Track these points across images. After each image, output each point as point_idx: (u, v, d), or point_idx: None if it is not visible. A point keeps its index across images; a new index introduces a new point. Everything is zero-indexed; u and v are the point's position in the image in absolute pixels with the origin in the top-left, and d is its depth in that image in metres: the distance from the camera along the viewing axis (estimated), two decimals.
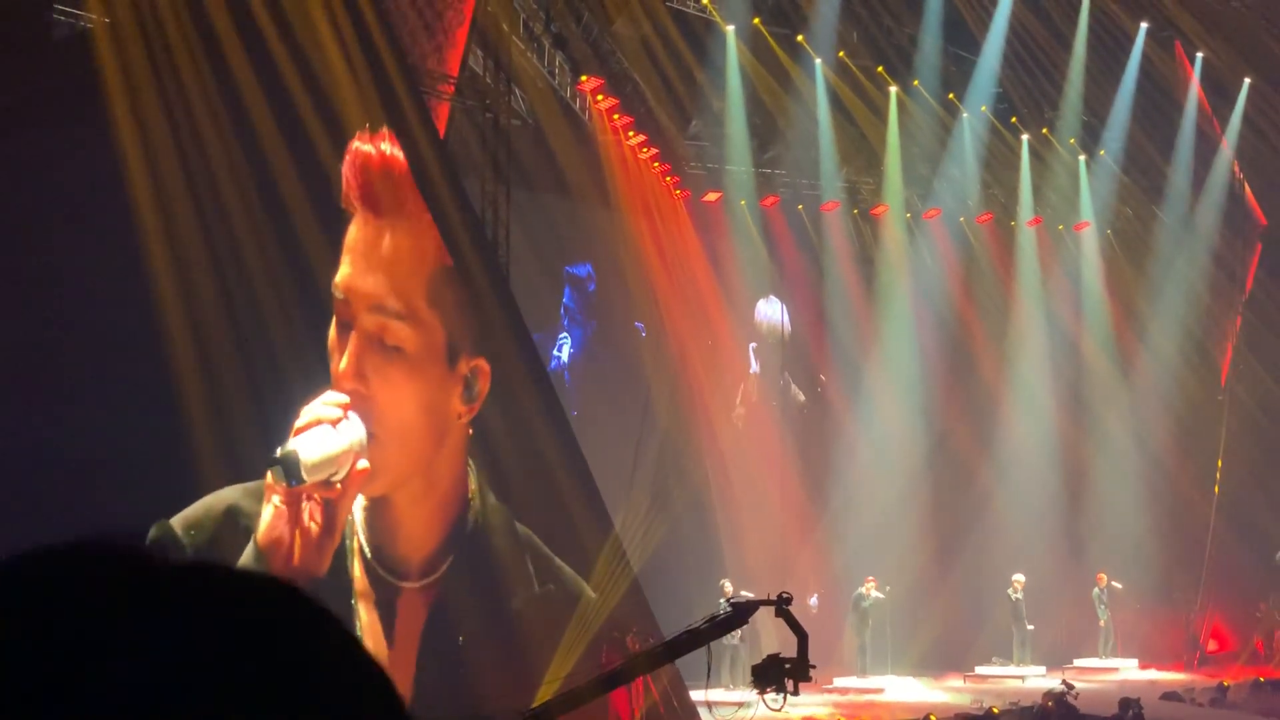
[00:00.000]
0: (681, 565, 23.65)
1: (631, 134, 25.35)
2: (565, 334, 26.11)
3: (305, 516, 17.01)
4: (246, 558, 16.48)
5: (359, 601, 17.39)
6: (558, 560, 19.12)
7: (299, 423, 17.03)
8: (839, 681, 25.01)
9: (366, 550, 17.62)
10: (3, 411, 15.60)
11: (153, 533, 15.99)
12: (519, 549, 18.88)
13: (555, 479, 19.64)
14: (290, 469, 16.66)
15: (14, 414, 15.56)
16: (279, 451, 16.73)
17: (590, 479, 20.23)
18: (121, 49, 16.46)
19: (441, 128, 20.52)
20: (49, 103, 16.14)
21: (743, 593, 24.71)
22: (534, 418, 19.67)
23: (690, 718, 20.11)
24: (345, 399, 17.34)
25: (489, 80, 22.19)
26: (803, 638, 7.08)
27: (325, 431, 17.09)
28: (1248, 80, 30.70)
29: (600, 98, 24.61)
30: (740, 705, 22.37)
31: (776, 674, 7.08)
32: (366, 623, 17.31)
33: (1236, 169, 31.78)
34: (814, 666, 7.15)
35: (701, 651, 22.91)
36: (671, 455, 24.93)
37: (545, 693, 17.58)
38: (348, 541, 17.45)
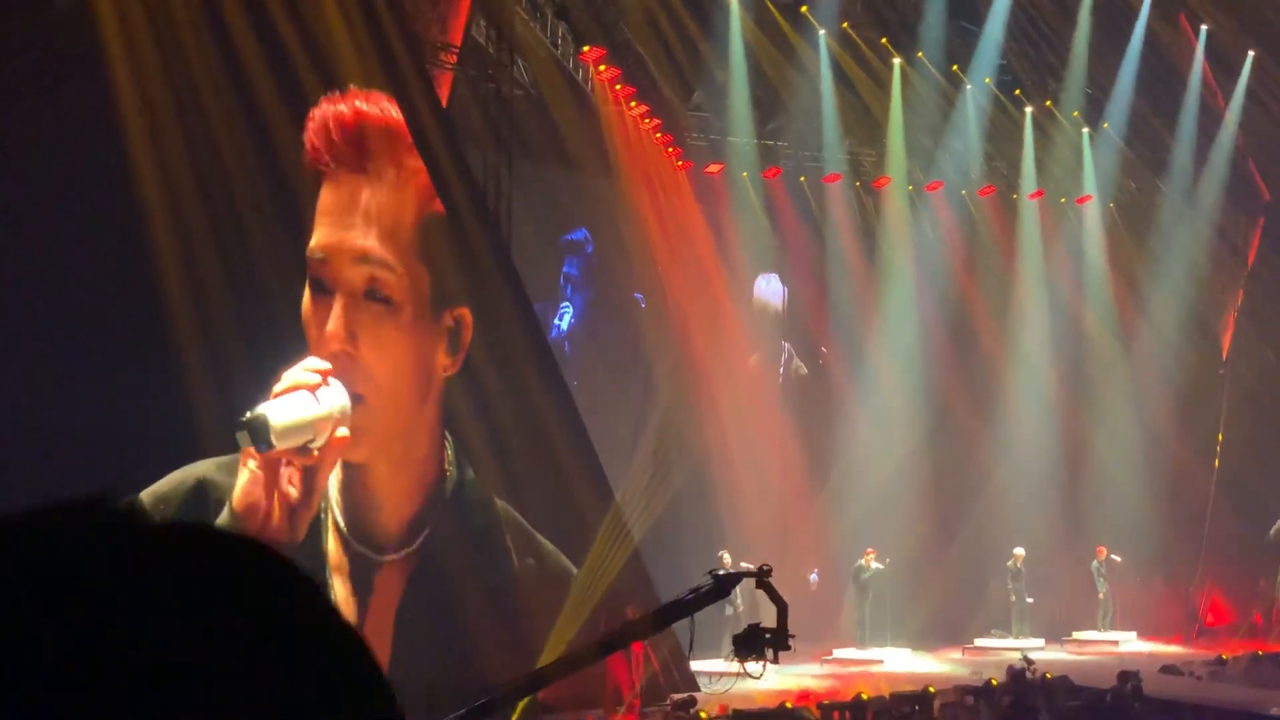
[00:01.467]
0: (681, 537, 23.68)
1: (634, 105, 25.30)
2: (567, 303, 26.09)
3: (283, 483, 16.86)
4: (222, 522, 16.20)
5: (333, 575, 17.23)
6: (538, 536, 19.02)
7: (276, 388, 16.84)
8: (838, 653, 25.09)
9: (341, 522, 17.45)
10: None
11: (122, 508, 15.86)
12: (497, 524, 18.77)
13: (556, 448, 19.67)
14: (258, 433, 16.35)
15: None
16: (247, 415, 16.44)
17: (591, 449, 20.26)
18: (123, 17, 16.41)
19: (444, 97, 20.49)
20: (51, 71, 16.07)
21: (741, 564, 24.77)
22: (534, 387, 19.68)
23: (690, 687, 20.18)
24: (326, 365, 17.14)
25: (491, 50, 22.15)
26: (782, 608, 7.19)
27: (301, 397, 16.86)
28: (1251, 53, 30.63)
29: (603, 68, 24.55)
30: (739, 675, 22.49)
31: (757, 644, 7.20)
32: (341, 597, 17.15)
33: (1240, 142, 31.72)
34: (793, 636, 7.25)
35: (709, 622, 23.02)
36: (673, 427, 24.94)
37: (544, 665, 17.67)
38: (321, 515, 17.29)
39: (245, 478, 16.64)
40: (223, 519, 16.36)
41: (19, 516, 0.93)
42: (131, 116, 16.27)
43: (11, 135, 15.84)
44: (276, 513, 16.77)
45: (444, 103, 20.28)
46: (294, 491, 16.91)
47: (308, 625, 0.94)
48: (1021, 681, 18.78)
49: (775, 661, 7.82)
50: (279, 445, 16.56)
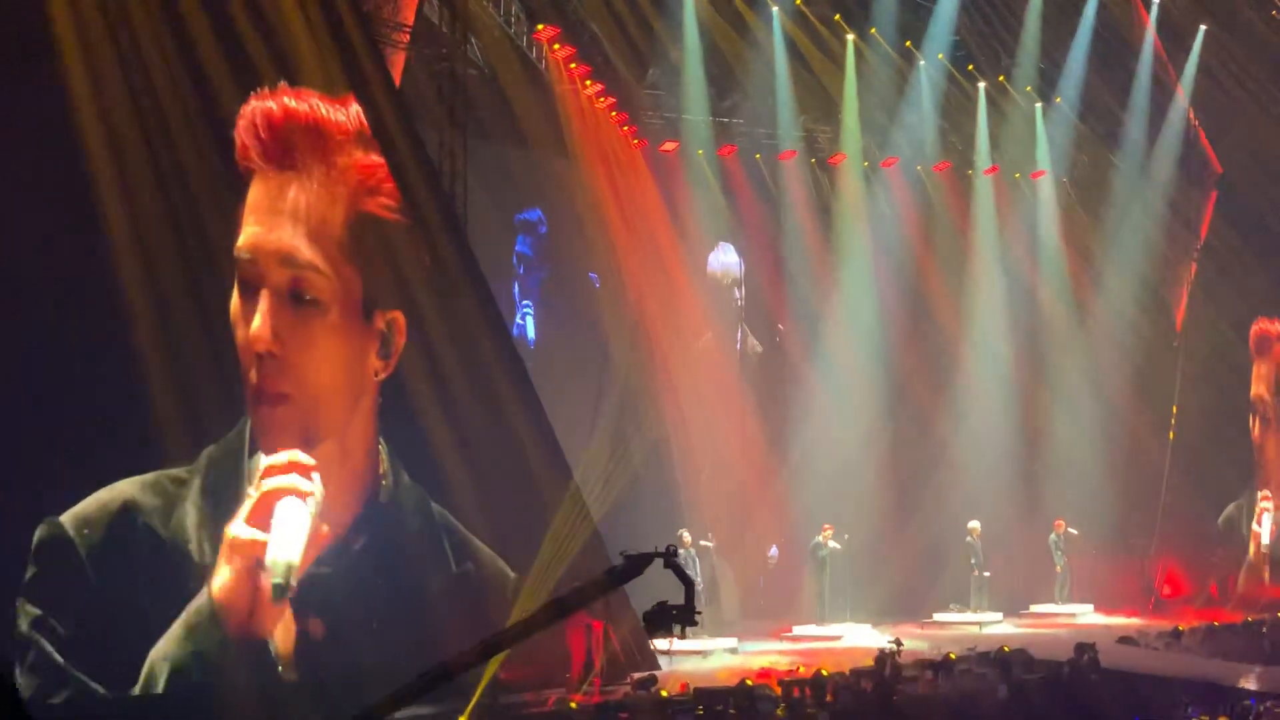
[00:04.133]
0: (641, 516, 23.67)
1: (588, 83, 25.20)
2: (527, 304, 25.88)
3: (262, 578, 16.58)
4: (200, 611, 15.96)
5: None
6: (476, 540, 18.77)
7: (265, 484, 16.54)
8: (798, 630, 25.16)
9: None
10: None
11: (41, 531, 15.09)
12: (434, 529, 18.50)
13: (514, 430, 19.58)
14: (287, 585, 16.39)
15: None
16: (276, 579, 16.33)
17: (550, 430, 20.19)
18: (75, 8, 16.16)
19: (397, 77, 20.35)
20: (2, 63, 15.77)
21: (701, 541, 24.82)
22: (492, 368, 19.59)
23: (650, 665, 20.21)
24: (311, 461, 16.89)
25: (444, 29, 22.02)
26: (689, 585, 7.28)
27: (299, 517, 16.69)
28: (1203, 27, 30.76)
29: (557, 47, 24.44)
30: (700, 653, 22.56)
31: (665, 620, 7.30)
32: (276, 609, 16.72)
33: (1192, 116, 31.87)
34: (699, 613, 7.34)
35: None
36: (631, 405, 24.93)
37: (500, 655, 17.63)
38: None
39: (228, 575, 16.21)
40: (201, 606, 15.93)
41: None
42: (82, 102, 15.99)
43: None
44: (259, 604, 16.47)
45: (397, 82, 20.13)
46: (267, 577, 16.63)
47: None
48: (886, 666, 18.57)
49: (683, 637, 7.96)
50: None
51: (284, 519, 16.64)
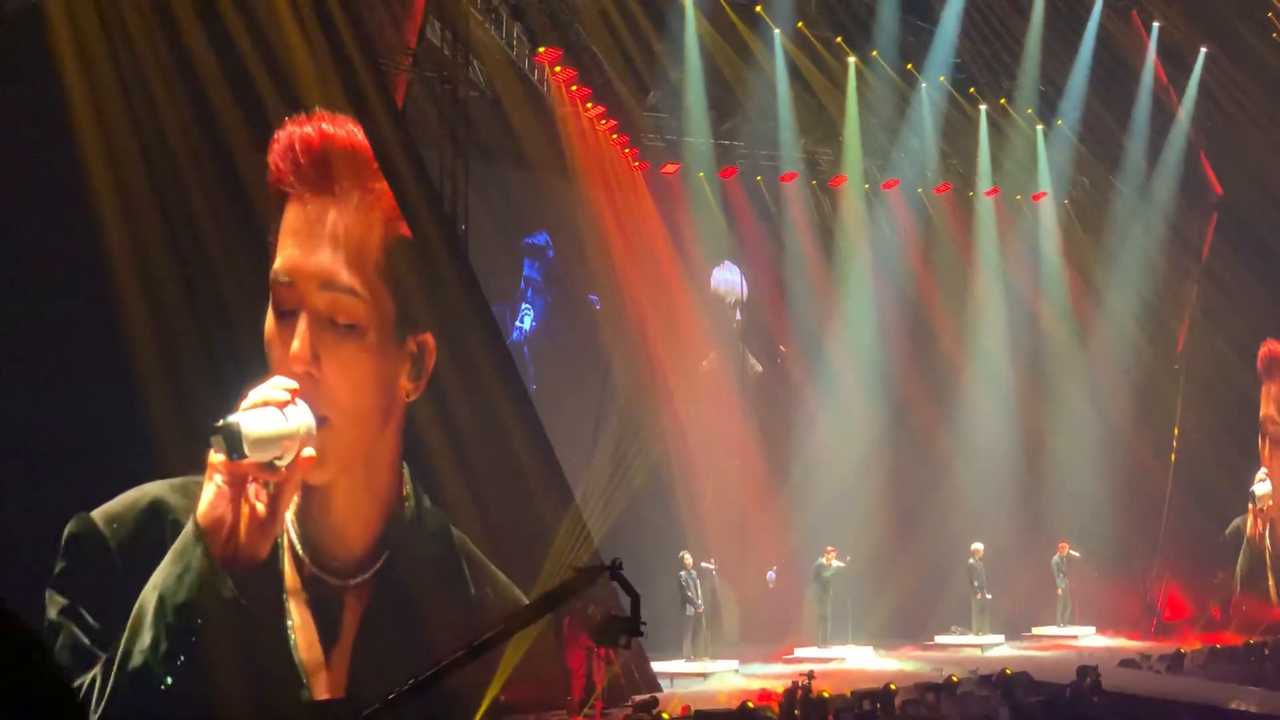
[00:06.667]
0: (642, 537, 23.68)
1: (590, 105, 25.26)
2: (528, 305, 26.03)
3: (250, 496, 16.65)
4: (184, 538, 16.09)
5: (290, 600, 16.97)
6: (492, 566, 18.89)
7: (244, 403, 16.67)
8: (799, 652, 25.13)
9: (298, 547, 17.19)
10: None
11: (71, 526, 15.58)
12: (455, 553, 18.61)
13: (515, 451, 19.61)
14: (231, 440, 16.23)
15: None
16: (221, 422, 16.30)
17: (550, 451, 20.22)
18: (74, 21, 16.24)
19: (399, 100, 20.42)
20: (1, 80, 15.86)
21: (703, 563, 24.81)
22: (494, 392, 19.62)
23: (651, 688, 20.19)
24: (294, 384, 16.99)
25: (446, 52, 22.09)
26: (635, 599, 7.36)
27: (271, 412, 16.73)
28: (1204, 50, 30.84)
29: (558, 69, 24.51)
30: (701, 676, 22.55)
31: (613, 632, 7.43)
32: (299, 622, 16.94)
33: (1192, 138, 31.92)
34: (645, 623, 7.45)
35: (670, 621, 23.07)
36: (632, 427, 24.94)
37: (506, 668, 17.64)
38: (279, 538, 17.06)
39: (211, 492, 16.40)
40: (187, 533, 16.14)
41: None
42: (85, 125, 16.08)
43: None
44: (242, 529, 16.58)
45: (399, 105, 20.20)
46: (260, 507, 16.74)
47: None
48: (797, 699, 18.27)
49: (627, 648, 8.06)
50: (250, 455, 16.40)
51: (255, 410, 16.73)
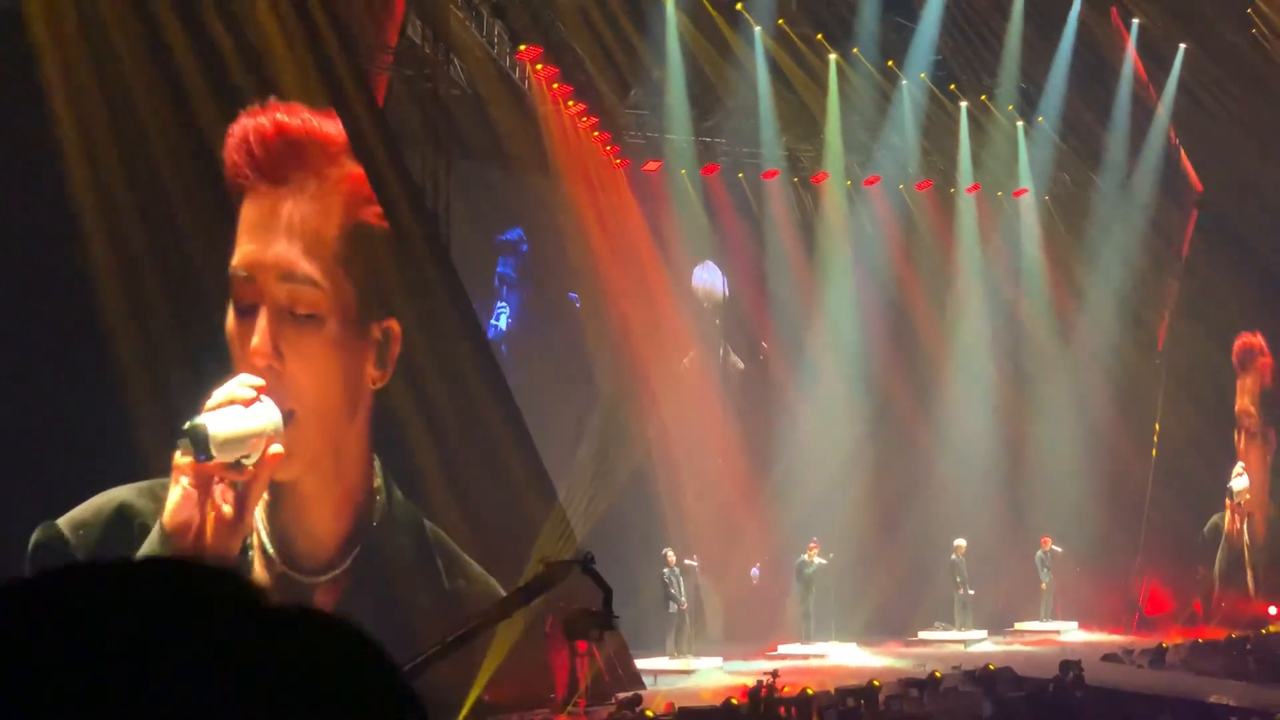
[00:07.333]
0: (625, 534, 23.68)
1: (571, 103, 25.24)
2: (503, 303, 25.98)
3: (216, 498, 16.47)
4: (151, 543, 15.90)
5: None
6: (466, 558, 18.76)
7: (210, 402, 16.52)
8: (783, 648, 25.14)
9: (268, 545, 17.06)
10: None
11: (37, 535, 15.42)
12: (427, 546, 18.48)
13: (498, 449, 19.58)
14: (197, 442, 16.10)
15: None
16: (187, 424, 16.17)
17: (534, 449, 20.20)
18: (53, 21, 16.17)
19: (380, 98, 20.38)
20: None
21: (686, 560, 24.81)
22: (477, 389, 19.58)
23: (635, 685, 20.19)
24: (259, 381, 16.84)
25: (427, 50, 22.05)
26: (607, 592, 7.36)
27: (237, 411, 16.59)
28: (1183, 46, 30.92)
29: (539, 67, 24.48)
30: (684, 673, 22.55)
31: (584, 626, 7.46)
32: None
33: (1172, 135, 32.02)
34: (618, 617, 7.47)
35: (653, 618, 23.08)
36: (614, 425, 24.93)
37: (490, 666, 17.60)
38: (248, 537, 16.98)
39: (178, 495, 16.24)
40: (153, 537, 15.97)
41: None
42: (66, 125, 16.00)
43: None
44: (209, 531, 16.37)
45: (380, 104, 20.15)
46: (227, 509, 16.55)
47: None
48: (761, 698, 18.19)
49: (600, 641, 8.08)
50: (217, 456, 16.26)
51: (221, 410, 16.59)
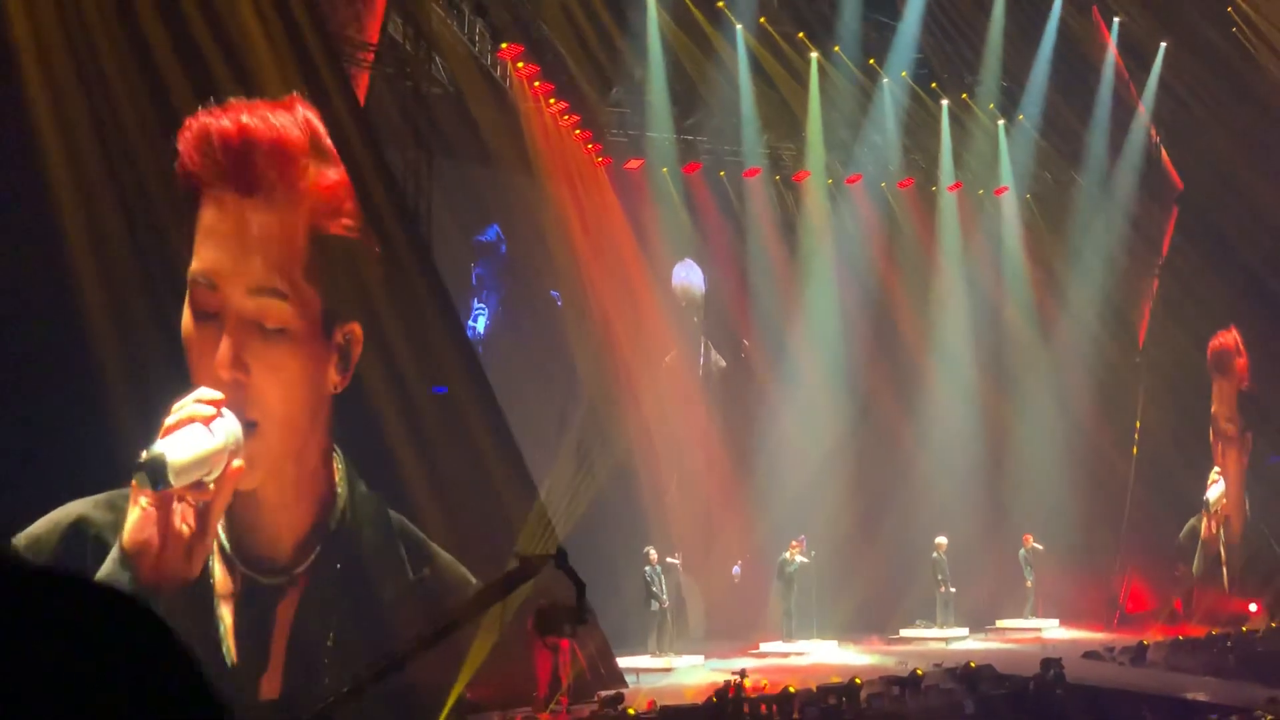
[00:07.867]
0: (607, 533, 23.67)
1: (552, 101, 25.22)
2: (481, 304, 25.91)
3: (176, 519, 16.09)
4: (110, 563, 15.53)
5: (220, 603, 16.47)
6: (434, 546, 18.52)
7: (168, 420, 16.10)
8: (764, 646, 25.17)
9: (227, 546, 16.71)
10: None
11: None
12: (391, 537, 18.22)
13: (480, 448, 19.54)
14: (156, 473, 15.67)
15: None
16: (144, 455, 15.69)
17: (515, 447, 20.18)
18: (33, 17, 16.08)
19: (361, 96, 20.32)
20: None
21: (668, 558, 24.82)
22: (458, 388, 19.55)
23: (617, 683, 20.18)
24: (219, 395, 16.45)
25: (409, 48, 22.02)
26: (580, 587, 7.37)
27: (196, 431, 16.17)
28: (1164, 44, 31.01)
29: (521, 65, 24.45)
30: (666, 671, 22.55)
31: (557, 620, 7.51)
32: (230, 624, 16.50)
33: (1153, 133, 32.11)
34: (591, 612, 7.50)
35: (636, 618, 23.08)
36: (596, 423, 24.92)
37: (472, 664, 17.57)
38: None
39: (136, 516, 15.80)
40: (112, 558, 15.58)
41: None
42: (44, 119, 15.90)
43: None
44: (170, 550, 15.99)
45: (361, 102, 20.08)
46: (187, 529, 16.15)
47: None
48: (729, 698, 18.12)
49: (573, 635, 8.10)
50: (176, 484, 15.86)
51: (180, 433, 16.19)
